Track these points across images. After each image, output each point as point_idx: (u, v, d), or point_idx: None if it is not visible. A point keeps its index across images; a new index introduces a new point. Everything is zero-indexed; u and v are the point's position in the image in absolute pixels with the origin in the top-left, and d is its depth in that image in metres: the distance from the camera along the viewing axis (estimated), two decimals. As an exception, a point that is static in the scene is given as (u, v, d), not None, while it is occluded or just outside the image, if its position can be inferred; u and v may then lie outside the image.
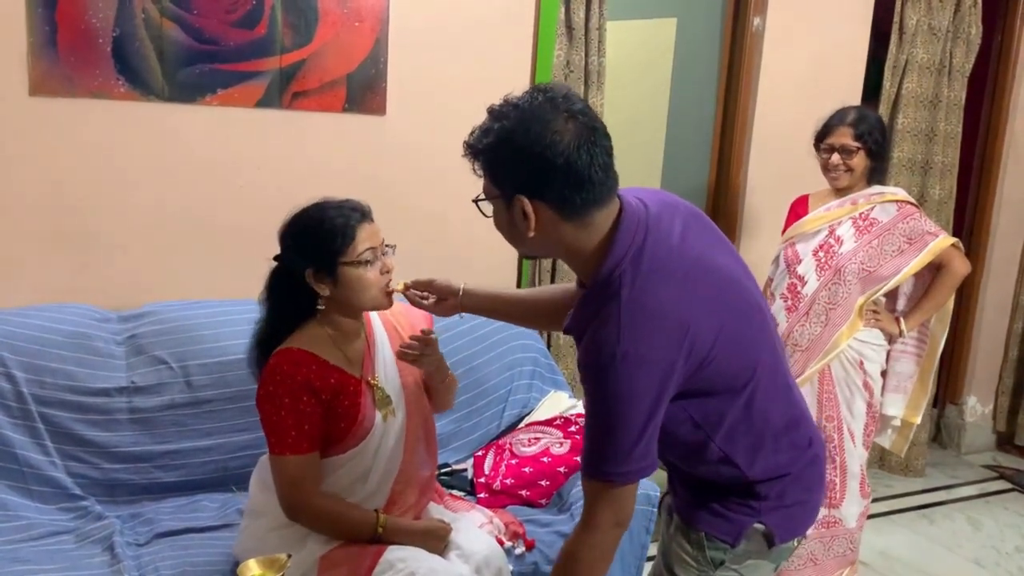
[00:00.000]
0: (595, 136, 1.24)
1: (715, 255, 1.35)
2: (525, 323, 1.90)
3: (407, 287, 1.77)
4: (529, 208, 1.25)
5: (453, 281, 1.74)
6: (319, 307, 1.78)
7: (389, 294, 1.78)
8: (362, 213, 1.77)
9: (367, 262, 1.73)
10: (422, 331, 1.83)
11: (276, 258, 1.81)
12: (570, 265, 1.37)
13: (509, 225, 1.31)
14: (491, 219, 1.36)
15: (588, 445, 1.29)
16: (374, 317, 1.93)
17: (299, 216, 1.78)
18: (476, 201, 1.34)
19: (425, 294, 1.76)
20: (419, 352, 1.80)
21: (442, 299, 1.75)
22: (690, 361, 1.26)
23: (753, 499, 1.38)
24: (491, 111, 1.28)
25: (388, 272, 1.78)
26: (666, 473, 1.55)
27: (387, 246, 1.81)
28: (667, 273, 1.27)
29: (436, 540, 1.80)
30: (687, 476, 1.41)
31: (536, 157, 1.22)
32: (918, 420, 2.69)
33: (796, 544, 1.47)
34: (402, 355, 1.82)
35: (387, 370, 1.88)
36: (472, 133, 1.29)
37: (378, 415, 1.82)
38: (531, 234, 1.28)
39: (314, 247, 1.74)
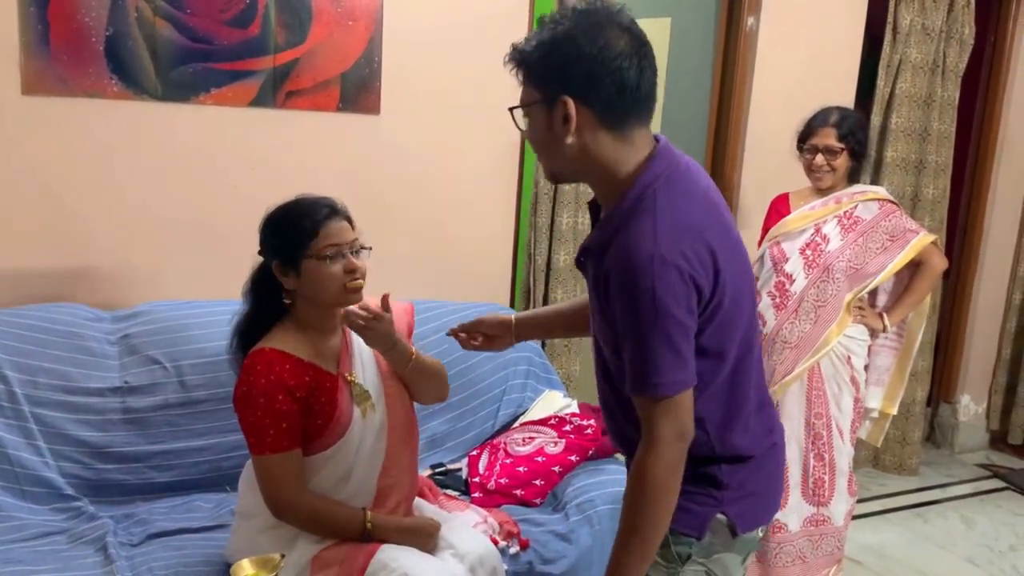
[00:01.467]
0: (645, 51, 1.27)
1: (729, 221, 1.38)
2: (574, 332, 1.84)
3: (454, 333, 1.73)
4: (572, 109, 1.25)
5: (501, 314, 1.71)
6: (285, 300, 1.79)
7: (352, 292, 1.77)
8: (332, 210, 1.78)
9: (328, 258, 1.74)
10: (380, 304, 1.77)
11: (259, 252, 1.84)
12: (596, 183, 1.36)
13: (545, 131, 1.30)
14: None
15: (633, 362, 1.27)
16: None
17: (273, 211, 1.82)
18: (512, 109, 1.34)
19: (477, 336, 1.72)
20: (363, 323, 1.73)
21: (493, 336, 1.71)
22: (711, 291, 1.27)
23: (715, 488, 1.38)
24: (544, 19, 1.30)
25: (353, 272, 1.76)
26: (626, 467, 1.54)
27: (362, 247, 1.81)
28: (697, 205, 1.30)
29: (425, 537, 1.80)
30: None
31: (589, 58, 1.23)
32: (894, 411, 2.74)
33: (760, 534, 1.47)
34: (346, 321, 1.76)
35: (365, 366, 1.87)
36: (518, 43, 1.31)
37: (356, 410, 1.81)
38: (569, 139, 1.27)
39: (280, 240, 1.77)
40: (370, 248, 1.82)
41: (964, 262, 4.07)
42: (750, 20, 3.29)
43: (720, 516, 1.38)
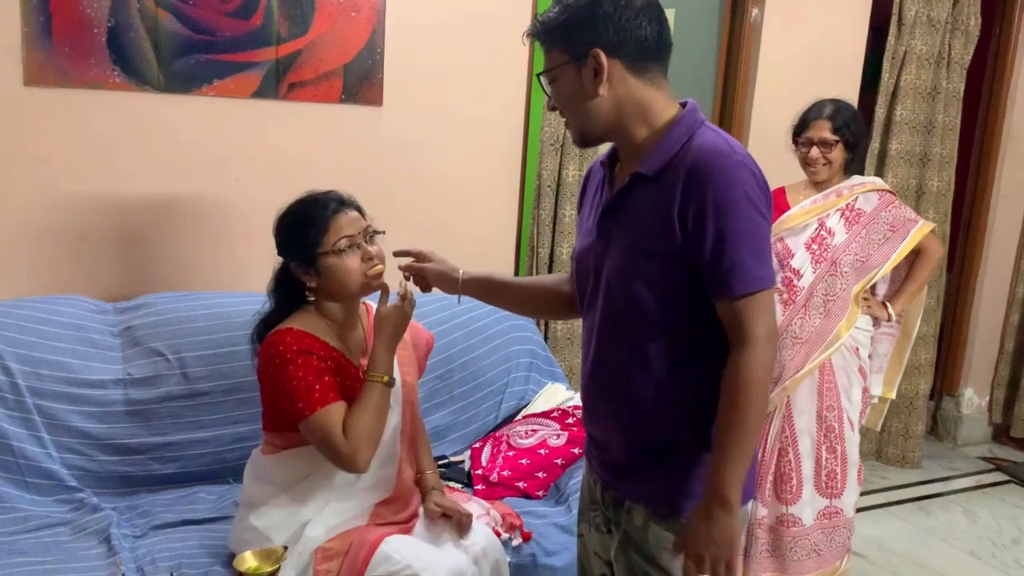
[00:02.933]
0: (659, 11, 1.36)
1: None
2: (519, 308, 1.90)
3: (406, 276, 1.75)
4: (604, 60, 1.32)
5: (448, 268, 1.73)
6: (309, 299, 1.80)
7: (374, 278, 1.78)
8: (339, 202, 1.79)
9: (343, 251, 1.74)
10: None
11: (278, 253, 1.85)
12: (631, 133, 1.39)
13: (576, 90, 1.37)
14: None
15: (727, 260, 1.29)
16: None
17: (283, 212, 1.83)
18: (539, 76, 1.42)
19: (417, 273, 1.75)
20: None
21: (436, 283, 1.75)
22: (768, 213, 1.36)
23: None
24: None
25: (371, 259, 1.78)
26: (605, 470, 1.53)
27: (375, 232, 1.81)
28: None
29: (388, 319, 1.75)
30: (654, 426, 1.41)
31: (614, 13, 1.32)
32: (893, 395, 2.77)
33: (751, 508, 1.49)
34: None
35: None
36: (539, 14, 1.40)
37: None
38: (602, 91, 1.34)
39: (293, 241, 1.79)
40: (383, 232, 1.83)
41: (968, 255, 4.06)
42: (754, 11, 3.28)
43: None
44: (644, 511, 1.44)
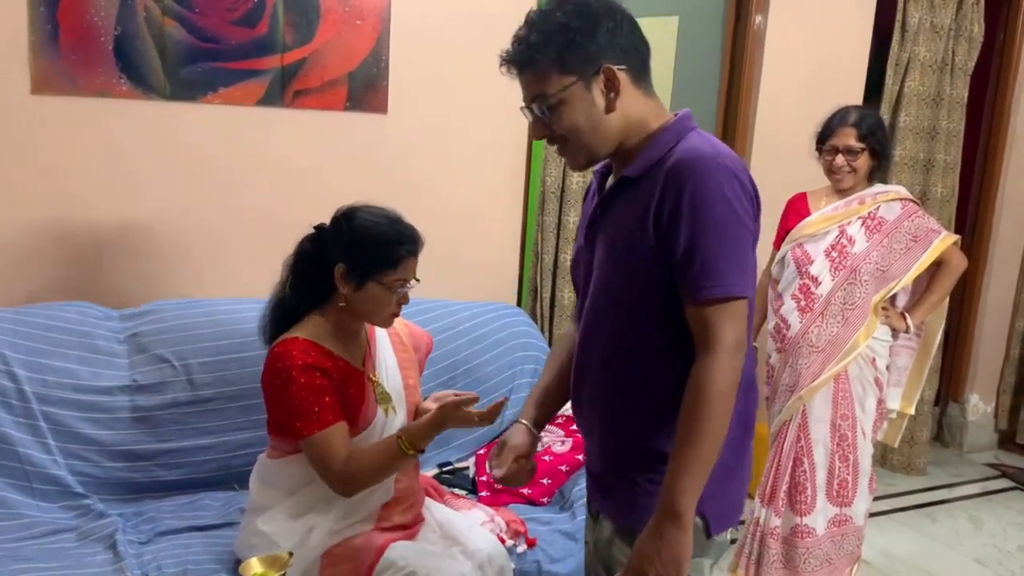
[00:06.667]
0: (635, 24, 1.36)
1: None
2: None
3: (501, 486, 1.69)
4: (616, 74, 1.30)
5: (518, 431, 1.56)
6: (340, 303, 1.79)
7: (393, 317, 1.82)
8: (414, 243, 1.80)
9: (394, 291, 1.77)
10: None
11: (318, 227, 1.82)
12: (630, 147, 1.36)
13: (589, 110, 1.32)
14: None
15: (701, 264, 1.24)
16: None
17: (366, 213, 1.80)
18: (534, 103, 1.35)
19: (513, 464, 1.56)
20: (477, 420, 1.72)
21: (526, 453, 1.56)
22: (755, 220, 1.34)
23: None
24: (536, 13, 1.34)
25: (402, 304, 1.81)
26: (589, 478, 1.51)
27: (415, 279, 1.82)
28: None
29: (456, 420, 1.72)
30: (632, 425, 1.37)
31: (615, 29, 1.31)
32: (912, 411, 2.73)
33: (728, 538, 1.42)
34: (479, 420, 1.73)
35: (388, 370, 1.90)
36: (520, 39, 1.34)
37: (379, 409, 1.83)
38: (615, 106, 1.32)
39: (358, 250, 1.76)
40: (419, 281, 1.84)
41: (973, 261, 4.04)
42: (758, 18, 3.28)
43: (697, 518, 1.30)
44: (611, 525, 1.42)
